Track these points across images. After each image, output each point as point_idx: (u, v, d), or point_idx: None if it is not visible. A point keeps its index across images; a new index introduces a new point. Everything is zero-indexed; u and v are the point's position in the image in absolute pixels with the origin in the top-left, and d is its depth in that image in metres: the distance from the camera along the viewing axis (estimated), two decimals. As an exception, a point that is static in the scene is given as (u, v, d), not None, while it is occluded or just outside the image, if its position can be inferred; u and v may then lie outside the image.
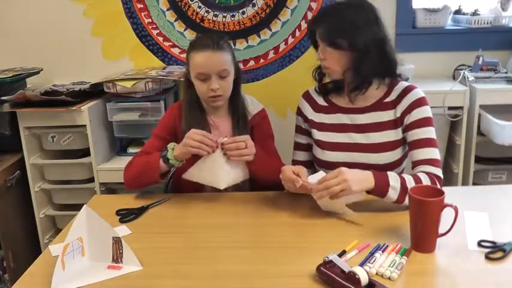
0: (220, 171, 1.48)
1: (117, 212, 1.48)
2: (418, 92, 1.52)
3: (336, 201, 1.33)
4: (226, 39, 1.63)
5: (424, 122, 1.48)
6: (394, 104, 1.52)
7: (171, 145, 1.54)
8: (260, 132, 1.69)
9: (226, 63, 1.57)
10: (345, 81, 1.54)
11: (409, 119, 1.49)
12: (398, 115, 1.51)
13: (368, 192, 1.36)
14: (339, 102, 1.60)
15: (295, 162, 1.68)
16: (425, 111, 1.49)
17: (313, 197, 1.37)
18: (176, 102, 1.75)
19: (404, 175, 1.40)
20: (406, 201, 1.30)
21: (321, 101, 1.63)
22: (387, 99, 1.53)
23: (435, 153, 1.46)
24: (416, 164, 1.46)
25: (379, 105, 1.54)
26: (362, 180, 1.34)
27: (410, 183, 1.35)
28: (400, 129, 1.52)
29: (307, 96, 1.66)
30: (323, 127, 1.60)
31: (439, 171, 1.43)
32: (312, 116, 1.62)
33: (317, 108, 1.62)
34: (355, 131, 1.55)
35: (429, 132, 1.48)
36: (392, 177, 1.36)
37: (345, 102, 1.58)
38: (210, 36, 1.60)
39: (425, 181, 1.37)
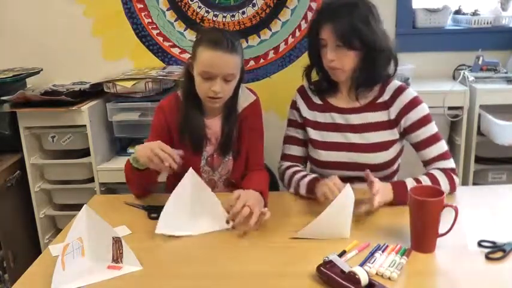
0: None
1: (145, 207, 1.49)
2: (411, 92, 1.52)
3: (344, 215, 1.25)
4: (240, 40, 1.52)
5: (424, 121, 1.50)
6: (387, 105, 1.52)
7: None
8: (247, 127, 1.60)
9: (235, 68, 1.47)
10: (347, 81, 1.52)
11: (407, 121, 1.50)
12: (392, 117, 1.52)
13: (389, 203, 1.37)
14: (333, 101, 1.58)
15: (289, 157, 1.62)
16: (422, 110, 1.51)
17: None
18: (162, 101, 1.63)
19: (420, 177, 1.42)
20: None
21: (315, 99, 1.60)
22: (380, 100, 1.53)
23: (443, 147, 1.49)
24: (428, 162, 1.50)
25: (373, 106, 1.54)
26: (383, 195, 1.34)
27: (427, 183, 1.38)
28: (395, 130, 1.52)
29: (302, 92, 1.63)
30: (317, 126, 1.58)
31: (451, 163, 1.47)
32: (307, 113, 1.60)
33: (312, 106, 1.60)
34: (350, 131, 1.54)
35: (431, 128, 1.50)
36: (410, 183, 1.39)
37: (339, 102, 1.57)
38: (224, 34, 1.45)
39: (441, 177, 1.41)
